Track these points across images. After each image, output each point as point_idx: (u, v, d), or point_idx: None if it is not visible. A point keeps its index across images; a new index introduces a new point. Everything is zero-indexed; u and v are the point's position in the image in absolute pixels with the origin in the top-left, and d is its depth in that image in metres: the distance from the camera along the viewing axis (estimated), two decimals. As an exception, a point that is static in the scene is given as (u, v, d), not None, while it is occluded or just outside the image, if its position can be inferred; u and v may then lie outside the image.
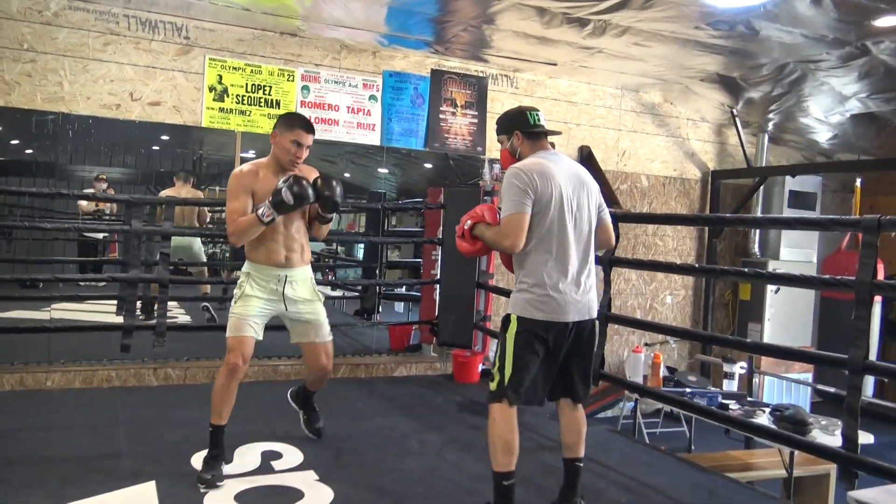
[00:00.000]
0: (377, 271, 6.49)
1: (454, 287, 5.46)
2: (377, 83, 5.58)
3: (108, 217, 7.37)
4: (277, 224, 3.12)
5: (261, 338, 3.19)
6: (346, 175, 8.17)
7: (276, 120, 3.23)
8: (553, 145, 2.93)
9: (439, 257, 5.70)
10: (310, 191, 3.06)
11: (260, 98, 5.19)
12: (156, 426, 3.76)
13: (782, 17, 4.23)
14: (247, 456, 3.34)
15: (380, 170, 6.67)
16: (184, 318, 6.01)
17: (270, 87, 5.22)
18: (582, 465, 2.83)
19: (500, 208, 2.75)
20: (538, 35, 4.91)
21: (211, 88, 5.05)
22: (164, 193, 5.77)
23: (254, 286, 3.17)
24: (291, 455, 3.39)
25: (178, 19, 4.91)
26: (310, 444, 3.56)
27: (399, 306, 7.63)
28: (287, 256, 3.21)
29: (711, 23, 4.42)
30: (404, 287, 7.22)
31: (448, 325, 5.43)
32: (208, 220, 6.54)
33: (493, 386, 2.68)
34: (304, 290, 3.27)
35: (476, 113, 5.89)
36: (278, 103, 5.24)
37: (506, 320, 2.74)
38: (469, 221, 2.84)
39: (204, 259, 6.69)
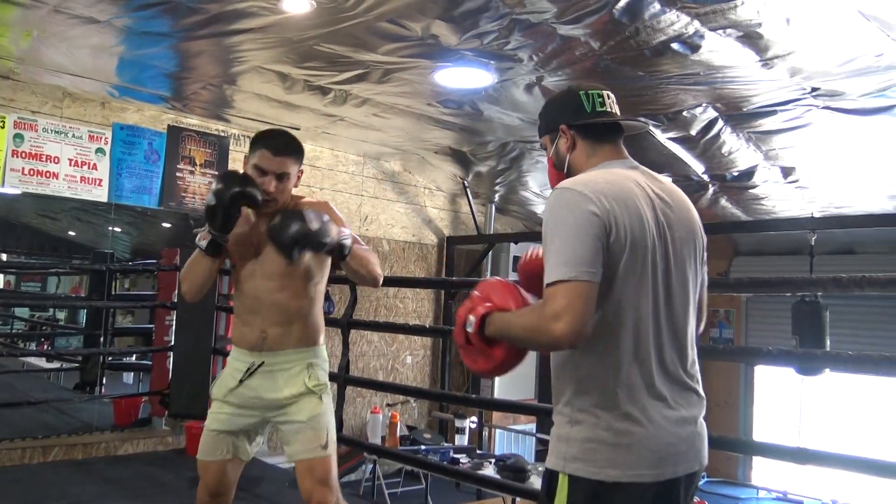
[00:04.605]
0: (101, 339, 5.91)
1: (188, 354, 5.16)
2: (106, 136, 5.20)
3: None
4: (259, 284, 2.29)
5: (249, 457, 2.40)
6: (71, 233, 7.44)
7: None
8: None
9: (173, 322, 5.37)
10: (253, 188, 2.19)
11: (-41, 144, 4.58)
12: None
13: (502, 101, 4.73)
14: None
15: (111, 228, 6.17)
16: None
17: (-26, 132, 4.63)
18: None
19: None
20: (281, 99, 4.96)
21: None
22: None
23: (226, 383, 2.37)
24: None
25: None
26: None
27: (129, 377, 6.99)
28: (266, 334, 2.30)
29: (442, 101, 4.81)
30: (134, 356, 6.66)
31: (181, 395, 5.09)
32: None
33: None
34: (288, 384, 2.31)
35: (216, 172, 5.73)
36: (-17, 151, 4.66)
37: (551, 481, 1.56)
38: (472, 317, 1.60)
39: None
